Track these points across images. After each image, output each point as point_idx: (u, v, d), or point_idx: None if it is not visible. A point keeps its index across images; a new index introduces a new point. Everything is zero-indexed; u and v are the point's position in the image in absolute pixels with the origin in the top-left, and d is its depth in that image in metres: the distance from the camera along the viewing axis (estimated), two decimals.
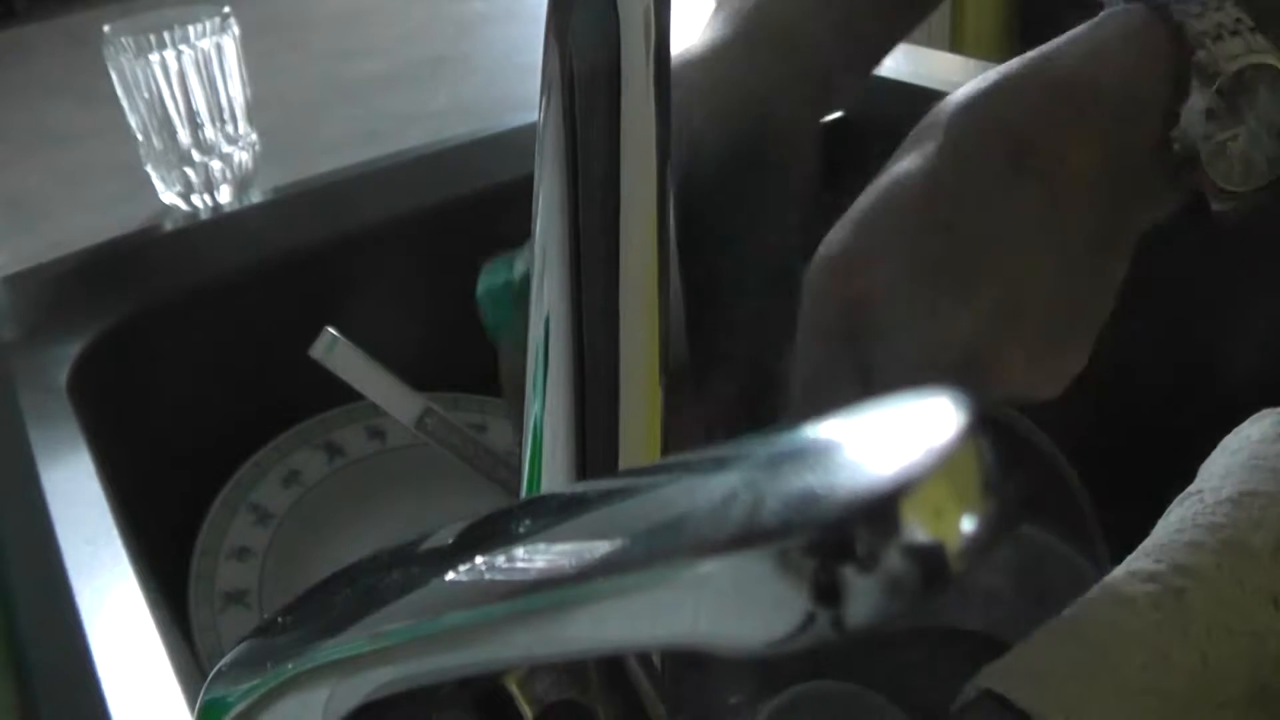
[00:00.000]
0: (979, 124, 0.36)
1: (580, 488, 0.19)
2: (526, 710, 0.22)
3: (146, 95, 0.63)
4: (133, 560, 0.39)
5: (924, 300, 0.35)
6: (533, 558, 0.17)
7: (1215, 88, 0.34)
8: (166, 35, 0.63)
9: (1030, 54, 0.37)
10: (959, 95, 0.37)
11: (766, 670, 0.45)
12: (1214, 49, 0.34)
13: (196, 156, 0.66)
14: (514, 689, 0.22)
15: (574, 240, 0.30)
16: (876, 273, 0.35)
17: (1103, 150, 0.35)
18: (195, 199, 0.67)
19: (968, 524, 0.13)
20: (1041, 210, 0.35)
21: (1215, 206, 0.35)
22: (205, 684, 0.24)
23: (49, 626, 0.37)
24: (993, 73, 0.37)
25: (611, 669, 0.24)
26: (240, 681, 0.23)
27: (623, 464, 0.30)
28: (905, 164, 0.36)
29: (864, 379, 0.36)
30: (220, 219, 0.65)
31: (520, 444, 0.32)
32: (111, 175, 0.72)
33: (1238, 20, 0.34)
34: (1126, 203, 0.35)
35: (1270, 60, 0.34)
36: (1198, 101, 0.34)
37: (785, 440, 0.14)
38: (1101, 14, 0.37)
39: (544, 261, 0.31)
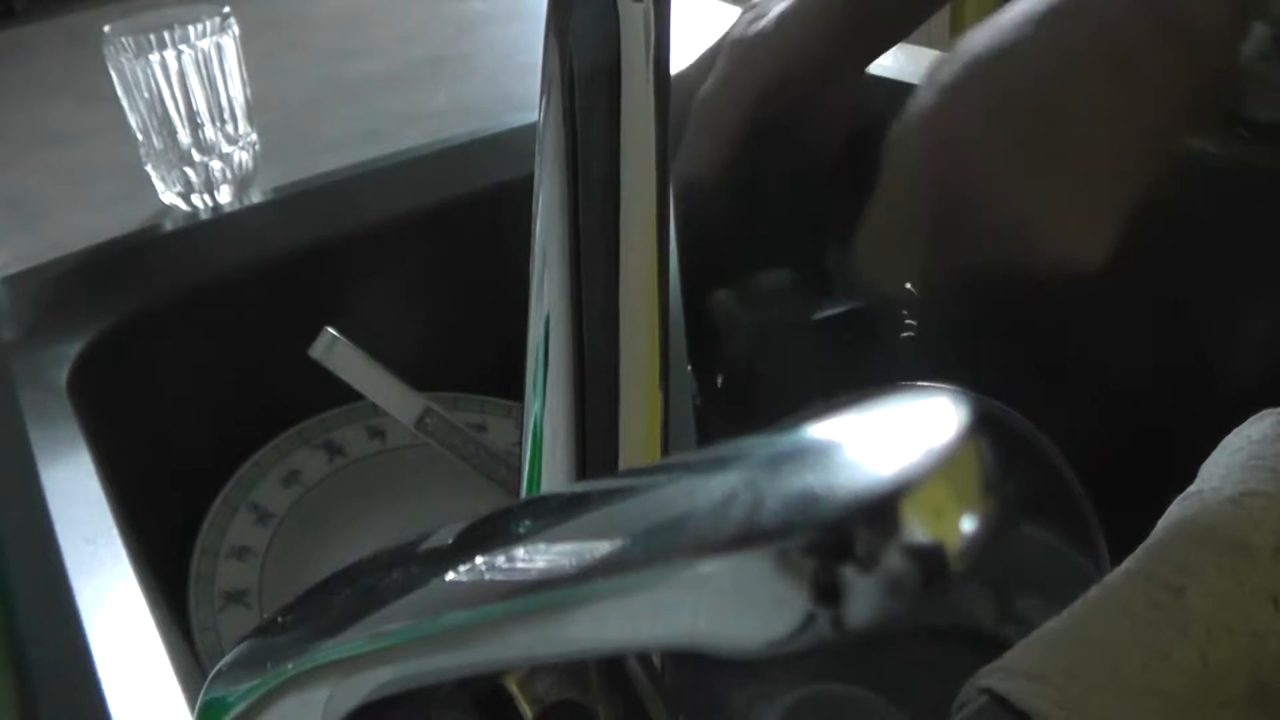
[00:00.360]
0: (1086, 30, 0.40)
1: (580, 488, 0.19)
2: (527, 710, 0.22)
3: (146, 95, 0.63)
4: (133, 560, 0.39)
5: (1007, 167, 0.40)
6: (533, 558, 0.17)
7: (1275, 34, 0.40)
8: (166, 35, 0.63)
9: None
10: None
11: (767, 673, 0.45)
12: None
13: (196, 156, 0.66)
14: (514, 689, 0.22)
15: (574, 240, 0.30)
16: (967, 136, 0.40)
17: (1185, 70, 0.39)
18: (195, 199, 0.67)
19: (968, 524, 0.13)
20: (1121, 110, 0.39)
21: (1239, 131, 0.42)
22: (205, 684, 0.24)
23: (49, 626, 0.37)
24: None
25: (611, 669, 0.24)
26: (240, 681, 0.23)
27: (623, 464, 0.30)
28: (998, 44, 0.41)
29: (929, 231, 0.42)
30: (220, 219, 0.64)
31: (520, 444, 0.32)
32: (111, 175, 0.72)
33: None
34: (1185, 114, 0.40)
35: None
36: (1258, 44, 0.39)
37: (785, 440, 0.14)
38: None
39: (544, 261, 0.31)
